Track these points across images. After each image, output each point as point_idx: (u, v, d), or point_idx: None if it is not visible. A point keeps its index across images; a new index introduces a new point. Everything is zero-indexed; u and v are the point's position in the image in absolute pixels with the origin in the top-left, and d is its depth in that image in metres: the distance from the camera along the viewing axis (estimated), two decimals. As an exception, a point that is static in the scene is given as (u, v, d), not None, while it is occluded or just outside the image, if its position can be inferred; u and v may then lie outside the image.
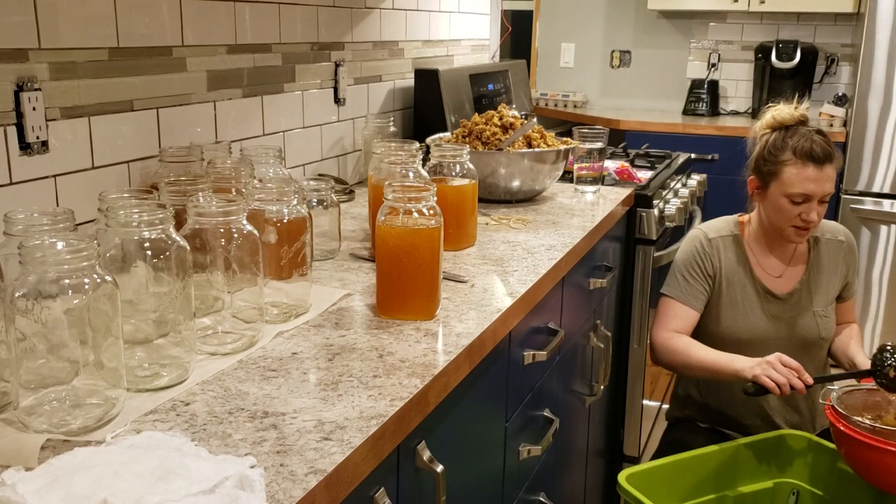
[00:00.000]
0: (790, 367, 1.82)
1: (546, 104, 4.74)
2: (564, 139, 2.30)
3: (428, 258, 1.32)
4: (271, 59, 2.02)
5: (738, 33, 4.58)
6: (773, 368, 1.82)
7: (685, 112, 4.55)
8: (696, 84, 4.54)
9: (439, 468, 1.14)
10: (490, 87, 3.04)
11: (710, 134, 4.07)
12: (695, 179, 3.11)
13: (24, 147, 1.37)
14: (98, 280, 0.95)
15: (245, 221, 1.20)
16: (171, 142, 1.69)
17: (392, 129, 2.38)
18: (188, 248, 1.10)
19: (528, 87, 3.53)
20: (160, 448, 0.89)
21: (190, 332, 1.12)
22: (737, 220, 2.14)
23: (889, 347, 1.76)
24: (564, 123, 4.47)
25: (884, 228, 3.72)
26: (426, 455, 1.13)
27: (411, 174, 1.63)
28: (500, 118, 2.21)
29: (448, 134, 2.37)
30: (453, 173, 1.78)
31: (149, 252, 1.07)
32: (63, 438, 0.94)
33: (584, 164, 2.35)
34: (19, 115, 1.35)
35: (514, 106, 3.11)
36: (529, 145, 2.16)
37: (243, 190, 1.38)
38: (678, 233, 2.70)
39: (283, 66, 2.08)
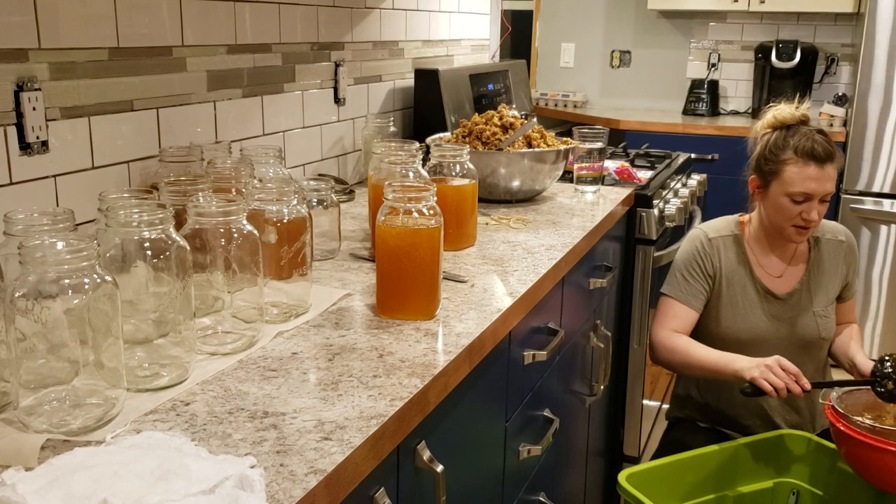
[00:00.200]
0: (789, 371, 1.82)
1: (546, 104, 4.74)
2: (564, 139, 2.30)
3: (428, 258, 1.32)
4: (271, 59, 2.02)
5: (738, 33, 4.58)
6: (772, 372, 1.82)
7: (685, 112, 4.55)
8: (696, 84, 4.54)
9: (439, 468, 1.14)
10: (490, 87, 3.04)
11: (710, 134, 4.07)
12: (695, 179, 3.11)
13: (24, 147, 1.37)
14: (98, 280, 0.95)
15: (245, 221, 1.20)
16: (171, 142, 1.69)
17: (392, 129, 2.38)
18: (188, 248, 1.10)
19: (528, 87, 3.53)
20: (160, 448, 0.89)
21: (190, 332, 1.12)
22: (737, 220, 2.14)
23: (889, 359, 1.76)
24: (564, 123, 4.47)
25: (884, 228, 3.72)
26: (426, 455, 1.13)
27: (411, 174, 1.63)
28: (500, 118, 2.21)
29: (448, 134, 2.37)
30: (453, 173, 1.78)
31: (149, 252, 1.07)
32: (63, 438, 0.94)
33: (584, 164, 2.35)
34: (19, 115, 1.35)
35: (514, 106, 3.11)
36: (529, 145, 2.16)
37: (243, 190, 1.38)
38: (678, 233, 2.70)
39: (283, 66, 2.08)
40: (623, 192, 2.38)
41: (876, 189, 3.72)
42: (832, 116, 4.05)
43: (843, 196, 3.73)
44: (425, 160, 1.83)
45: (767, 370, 1.82)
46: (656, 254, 2.48)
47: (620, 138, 3.77)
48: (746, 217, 2.14)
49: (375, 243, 1.37)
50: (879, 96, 3.65)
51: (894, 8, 3.57)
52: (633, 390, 2.58)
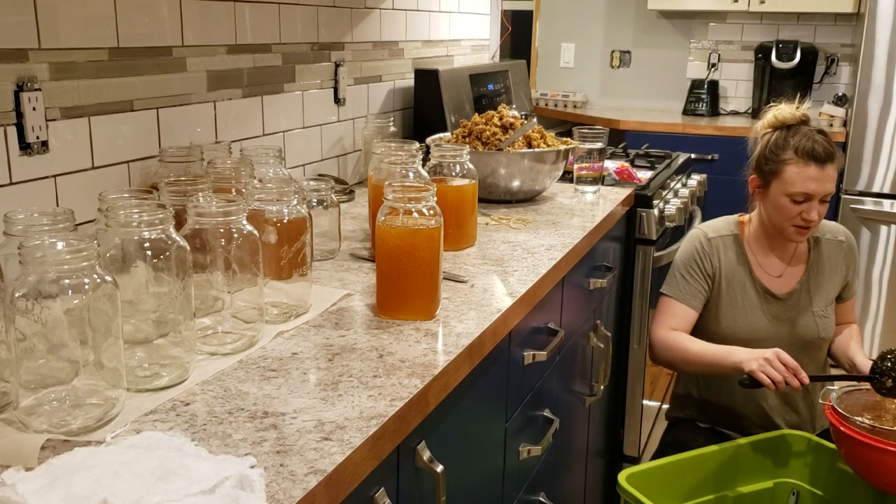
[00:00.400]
0: (788, 364, 1.82)
1: (546, 104, 4.74)
2: (564, 139, 2.30)
3: (428, 258, 1.32)
4: (271, 59, 2.02)
5: (738, 33, 4.58)
6: (771, 365, 1.82)
7: (685, 112, 4.55)
8: (696, 84, 4.54)
9: (439, 468, 1.14)
10: (490, 87, 3.04)
11: (710, 134, 4.07)
12: (695, 179, 3.11)
13: (24, 147, 1.37)
14: (98, 280, 0.95)
15: (245, 221, 1.20)
16: (171, 142, 1.69)
17: (392, 129, 2.38)
18: (188, 248, 1.10)
19: (528, 87, 3.53)
20: (160, 448, 0.89)
21: (190, 332, 1.12)
22: (737, 220, 2.14)
23: (889, 355, 1.76)
24: (564, 123, 4.47)
25: (884, 228, 3.72)
26: (426, 455, 1.13)
27: (411, 174, 1.63)
28: (500, 118, 2.21)
29: (448, 134, 2.37)
30: (453, 173, 1.78)
31: (149, 252, 1.07)
32: (63, 438, 0.94)
33: (584, 164, 2.35)
34: (19, 115, 1.35)
35: (514, 106, 3.11)
36: (529, 145, 2.16)
37: (243, 190, 1.38)
38: (678, 233, 2.70)
39: (283, 66, 2.08)
40: (623, 193, 2.38)
41: (876, 189, 3.72)
42: (832, 116, 4.05)
43: (843, 196, 3.73)
44: (425, 160, 1.83)
45: (766, 363, 1.82)
46: (656, 254, 2.48)
47: (620, 138, 3.77)
48: (746, 217, 2.14)
49: (375, 243, 1.37)
50: (879, 96, 3.65)
51: (894, 8, 3.57)
52: (633, 390, 2.58)
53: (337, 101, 2.35)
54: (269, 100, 2.03)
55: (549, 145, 2.18)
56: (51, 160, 1.42)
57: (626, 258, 2.49)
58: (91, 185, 1.50)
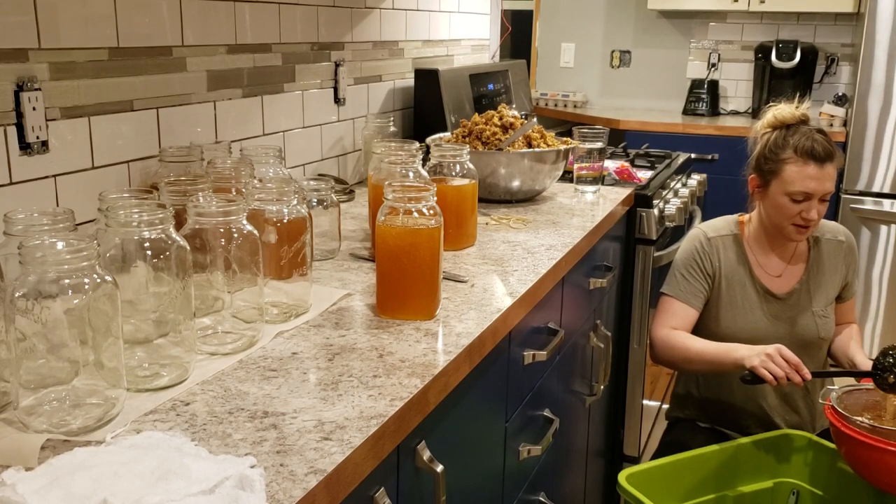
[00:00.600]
0: (790, 361, 1.82)
1: (546, 104, 4.74)
2: (564, 139, 2.30)
3: (428, 258, 1.32)
4: (271, 59, 2.02)
5: (738, 33, 4.58)
6: (773, 361, 1.82)
7: (685, 112, 4.55)
8: (696, 84, 4.54)
9: (439, 468, 1.14)
10: (490, 87, 3.04)
11: (710, 134, 4.07)
12: (695, 179, 3.11)
13: (24, 147, 1.37)
14: (98, 280, 0.95)
15: (245, 221, 1.20)
16: (171, 142, 1.69)
17: (392, 129, 2.38)
18: (188, 248, 1.10)
19: (528, 87, 3.53)
20: (160, 448, 0.89)
21: (190, 332, 1.12)
22: (737, 220, 2.14)
23: (892, 352, 1.76)
24: (564, 123, 4.47)
25: (884, 228, 3.72)
26: (426, 455, 1.13)
27: (411, 174, 1.63)
28: (500, 118, 2.21)
29: (448, 134, 2.37)
30: (453, 173, 1.78)
31: (149, 252, 1.07)
32: (63, 438, 0.94)
33: (584, 164, 2.35)
34: (19, 115, 1.35)
35: (514, 106, 3.11)
36: (529, 145, 2.16)
37: (243, 190, 1.38)
38: (678, 233, 2.70)
39: (283, 66, 2.08)
40: (623, 192, 2.38)
41: (876, 189, 3.72)
42: (832, 116, 4.05)
43: (843, 196, 3.73)
44: (425, 160, 1.83)
45: (768, 359, 1.82)
46: (656, 254, 2.48)
47: (620, 138, 3.77)
48: (746, 217, 2.14)
49: (375, 243, 1.37)
50: (879, 96, 3.65)
51: (894, 8, 3.57)
52: (633, 390, 2.58)
53: (337, 100, 2.35)
54: (269, 100, 2.03)
55: (549, 145, 2.18)
56: (51, 160, 1.42)
57: (626, 258, 2.49)
58: (91, 185, 1.50)
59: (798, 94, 2.22)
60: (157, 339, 1.12)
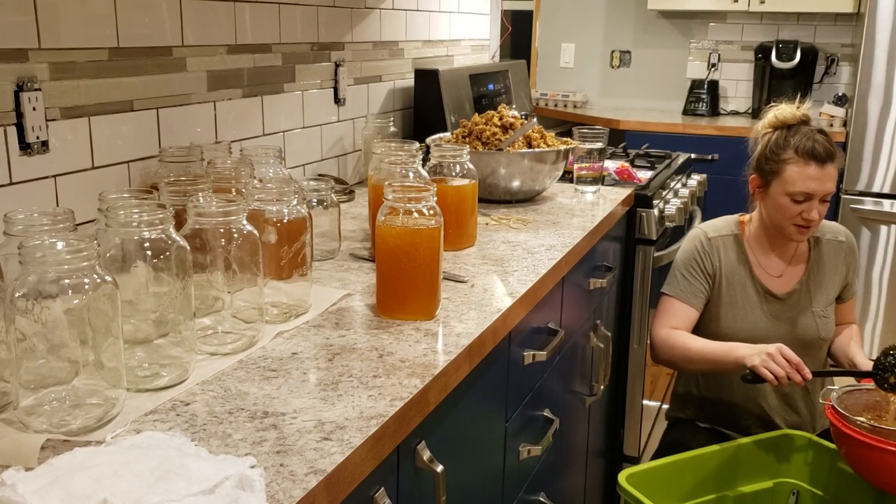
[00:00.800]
0: (791, 360, 1.82)
1: (546, 104, 4.74)
2: (564, 139, 2.30)
3: (428, 258, 1.32)
4: (271, 59, 2.02)
5: (738, 33, 4.58)
6: (773, 360, 1.82)
7: (685, 112, 4.55)
8: (696, 84, 4.55)
9: (439, 468, 1.14)
10: (490, 87, 3.04)
11: (710, 134, 4.07)
12: (695, 179, 3.11)
13: (24, 147, 1.37)
14: (98, 280, 0.95)
15: (245, 221, 1.20)
16: (171, 142, 1.69)
17: (392, 129, 2.38)
18: (188, 248, 1.10)
19: (528, 87, 3.53)
20: (160, 448, 0.89)
21: (190, 332, 1.12)
22: (737, 220, 2.14)
23: (893, 351, 1.76)
24: (564, 123, 4.47)
25: (884, 228, 3.72)
26: (426, 455, 1.13)
27: (411, 174, 1.63)
28: (500, 118, 2.21)
29: (448, 134, 2.37)
30: (453, 173, 1.78)
31: (149, 252, 1.07)
32: (63, 438, 0.94)
33: (584, 164, 2.35)
34: (19, 115, 1.35)
35: (514, 106, 3.11)
36: (529, 145, 2.16)
37: (243, 190, 1.38)
38: (678, 233, 2.70)
39: (283, 66, 2.08)
40: (623, 192, 2.38)
41: (876, 189, 3.72)
42: (832, 116, 4.05)
43: (843, 196, 3.73)
44: (425, 160, 1.83)
45: (769, 358, 1.82)
46: (656, 254, 2.48)
47: (620, 138, 3.77)
48: (747, 217, 2.14)
49: (375, 243, 1.37)
50: (879, 96, 3.65)
51: (894, 8, 3.57)
52: (633, 390, 2.58)
53: (337, 101, 2.35)
54: (269, 100, 2.03)
55: (549, 145, 2.18)
56: (51, 160, 1.42)
57: (626, 258, 2.49)
58: (91, 185, 1.50)
59: (798, 95, 2.22)
60: (157, 339, 1.12)
